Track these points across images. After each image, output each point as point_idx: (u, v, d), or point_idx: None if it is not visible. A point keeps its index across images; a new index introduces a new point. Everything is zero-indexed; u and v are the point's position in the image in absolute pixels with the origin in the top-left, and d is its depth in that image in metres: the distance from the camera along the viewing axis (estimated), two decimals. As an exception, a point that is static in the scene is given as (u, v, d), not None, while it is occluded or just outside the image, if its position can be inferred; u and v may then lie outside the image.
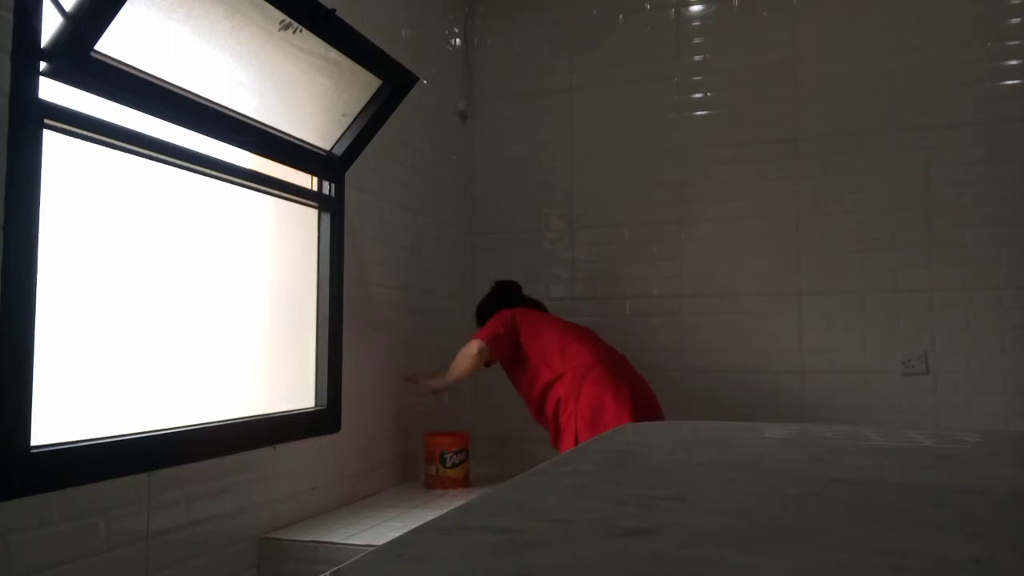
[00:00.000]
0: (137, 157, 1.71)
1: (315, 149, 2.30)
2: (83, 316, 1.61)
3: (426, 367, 2.81)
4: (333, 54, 2.12)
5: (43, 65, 1.44)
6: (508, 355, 2.66)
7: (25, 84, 1.40)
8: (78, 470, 1.49)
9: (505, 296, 2.86)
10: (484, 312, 2.82)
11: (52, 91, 1.48)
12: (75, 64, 1.48)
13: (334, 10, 1.99)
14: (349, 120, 2.34)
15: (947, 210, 2.87)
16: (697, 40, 3.22)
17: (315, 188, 2.36)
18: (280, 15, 1.89)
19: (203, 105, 1.84)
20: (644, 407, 2.45)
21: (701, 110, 3.20)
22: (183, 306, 1.87)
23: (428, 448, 2.65)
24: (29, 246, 1.40)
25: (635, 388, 2.50)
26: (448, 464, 2.60)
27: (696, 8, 3.23)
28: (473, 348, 2.60)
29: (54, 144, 1.50)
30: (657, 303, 3.19)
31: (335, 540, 1.97)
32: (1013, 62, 2.85)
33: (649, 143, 3.25)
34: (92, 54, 1.51)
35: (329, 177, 2.39)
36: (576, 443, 2.39)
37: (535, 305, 2.85)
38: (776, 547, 0.53)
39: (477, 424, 3.32)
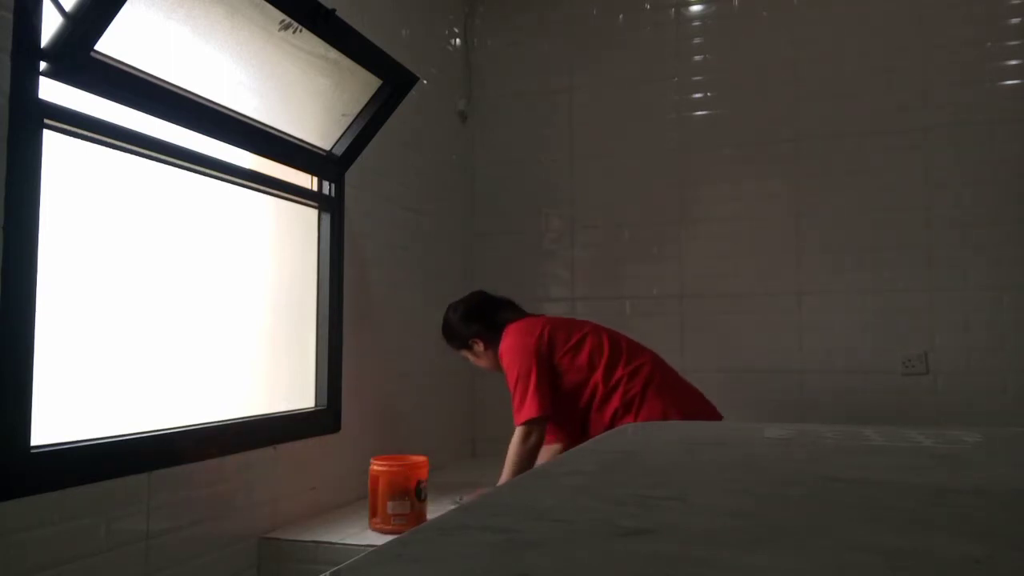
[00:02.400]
0: (137, 157, 1.71)
1: (315, 149, 2.30)
2: (83, 316, 1.61)
3: (426, 367, 2.81)
4: (333, 54, 2.12)
5: (43, 65, 1.44)
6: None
7: (25, 84, 1.40)
8: (78, 470, 1.49)
9: (489, 312, 2.40)
10: (479, 325, 2.39)
11: (52, 91, 1.48)
12: (75, 64, 1.48)
13: (334, 10, 1.99)
14: (349, 120, 2.34)
15: (947, 210, 2.87)
16: (697, 40, 3.22)
17: (315, 188, 2.36)
18: (280, 15, 1.89)
19: (203, 105, 1.84)
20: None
21: (701, 110, 3.20)
22: (183, 306, 1.87)
23: (392, 480, 2.05)
24: (29, 246, 1.40)
25: (694, 399, 2.29)
26: (422, 496, 2.08)
27: (696, 8, 3.23)
28: (532, 441, 2.12)
29: (54, 144, 1.50)
30: (657, 303, 3.19)
31: (335, 540, 1.97)
32: (1013, 62, 2.84)
33: (649, 143, 3.24)
34: (92, 54, 1.51)
35: (329, 177, 2.39)
36: None
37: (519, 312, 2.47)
38: (776, 547, 0.53)
39: (477, 423, 3.32)
